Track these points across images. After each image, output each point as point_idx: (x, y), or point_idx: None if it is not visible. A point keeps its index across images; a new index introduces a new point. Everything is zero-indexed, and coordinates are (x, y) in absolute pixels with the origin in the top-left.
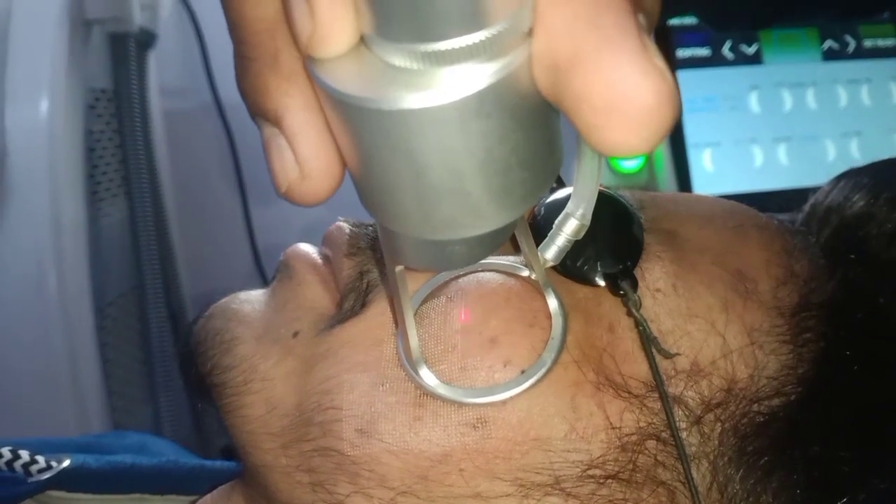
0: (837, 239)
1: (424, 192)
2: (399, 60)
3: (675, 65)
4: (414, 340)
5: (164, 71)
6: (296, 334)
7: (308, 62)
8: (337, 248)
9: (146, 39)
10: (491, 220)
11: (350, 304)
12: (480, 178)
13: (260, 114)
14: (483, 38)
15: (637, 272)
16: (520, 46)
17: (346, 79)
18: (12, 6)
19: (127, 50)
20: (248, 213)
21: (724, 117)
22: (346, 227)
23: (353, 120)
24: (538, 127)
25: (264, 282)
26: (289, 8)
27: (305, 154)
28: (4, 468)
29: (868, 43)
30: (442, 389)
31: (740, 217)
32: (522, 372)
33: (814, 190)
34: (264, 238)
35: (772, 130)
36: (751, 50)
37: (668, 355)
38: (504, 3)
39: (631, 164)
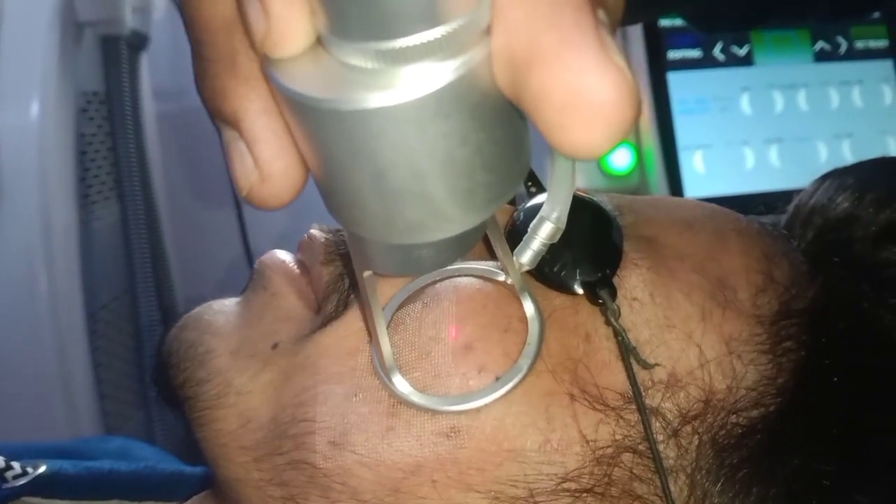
0: (821, 241)
1: (387, 196)
2: (355, 60)
3: (666, 66)
4: (386, 347)
5: (155, 72)
6: (275, 346)
7: (264, 63)
8: (313, 255)
9: (138, 42)
10: (456, 223)
11: (332, 306)
12: (443, 181)
13: (219, 117)
14: (439, 36)
15: (615, 280)
16: (479, 44)
17: (303, 79)
18: (3, 8)
19: (119, 53)
20: (242, 215)
21: (715, 119)
22: (320, 234)
23: (312, 121)
24: (502, 127)
25: None
26: (243, 7)
27: (265, 157)
28: None
29: (859, 44)
30: (415, 397)
31: (721, 222)
32: (497, 379)
33: None
34: (258, 241)
35: (763, 132)
36: (742, 51)
37: (647, 366)
38: (461, 0)
39: (621, 166)
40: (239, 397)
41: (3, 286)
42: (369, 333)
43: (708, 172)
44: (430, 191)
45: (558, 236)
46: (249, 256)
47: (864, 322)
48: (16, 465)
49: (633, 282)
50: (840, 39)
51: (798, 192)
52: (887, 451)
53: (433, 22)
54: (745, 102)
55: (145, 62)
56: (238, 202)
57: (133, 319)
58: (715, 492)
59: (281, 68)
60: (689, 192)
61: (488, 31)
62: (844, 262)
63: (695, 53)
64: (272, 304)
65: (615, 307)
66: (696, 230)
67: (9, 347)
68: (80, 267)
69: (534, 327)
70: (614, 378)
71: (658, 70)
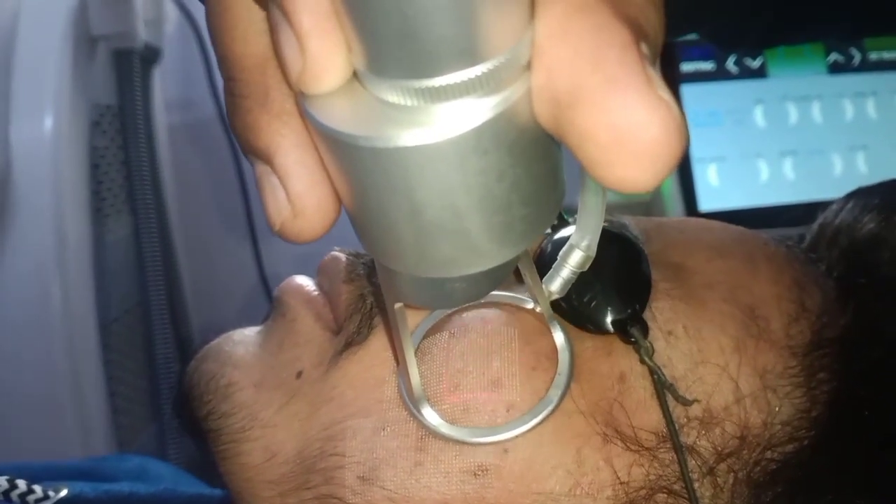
0: (847, 263)
1: (422, 231)
2: (393, 97)
3: (679, 79)
4: (416, 378)
5: (167, 85)
6: (299, 374)
7: (300, 99)
8: (334, 276)
9: (150, 55)
10: (491, 257)
11: (354, 326)
12: (480, 216)
13: (251, 152)
14: (479, 74)
15: (647, 312)
16: (518, 80)
17: (340, 116)
18: (18, 23)
19: (131, 66)
20: (253, 226)
21: (729, 132)
22: (341, 256)
23: (348, 158)
24: (539, 161)
25: (269, 296)
26: (278, 44)
27: (298, 192)
28: (1, 498)
29: (873, 55)
30: (445, 429)
31: (749, 247)
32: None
33: (821, 204)
34: (270, 252)
35: (777, 144)
36: (755, 64)
37: (686, 403)
38: (501, 38)
39: None
40: (264, 430)
41: (16, 298)
42: (396, 361)
43: (722, 185)
44: (466, 227)
45: (588, 264)
46: (261, 267)
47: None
48: (37, 488)
49: (666, 314)
50: (854, 51)
51: (813, 204)
52: None
53: (473, 60)
54: (758, 115)
55: (157, 74)
56: (249, 211)
57: (145, 333)
58: None
59: (317, 104)
60: (703, 205)
61: (528, 66)
62: (872, 285)
63: (708, 66)
64: (292, 330)
65: (648, 345)
66: (725, 256)
67: (22, 359)
68: (93, 279)
69: (564, 358)
70: (649, 417)
71: (671, 83)
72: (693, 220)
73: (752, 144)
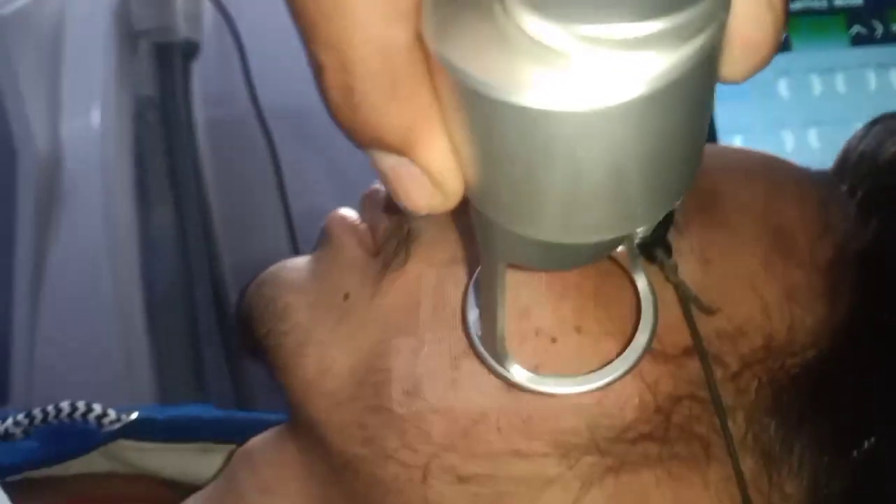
0: (871, 187)
1: (576, 197)
2: (561, 42)
3: None
4: (502, 322)
5: (204, 80)
6: (346, 297)
7: (435, 53)
8: (374, 206)
9: (190, 50)
10: (643, 220)
11: (392, 248)
12: (644, 180)
13: (374, 146)
14: (688, 19)
15: (683, 241)
16: (712, 20)
17: (492, 71)
18: (64, 21)
19: (172, 59)
20: (291, 220)
21: (754, 104)
22: (381, 188)
23: (504, 124)
24: (705, 114)
25: None
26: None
27: (447, 180)
28: (79, 419)
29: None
30: (534, 384)
31: (776, 170)
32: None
33: None
34: (306, 245)
35: (802, 115)
36: None
37: (708, 311)
38: None
39: None
40: (318, 347)
41: (70, 281)
42: (480, 314)
43: None
44: (627, 191)
45: None
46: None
47: None
48: (111, 412)
49: (702, 241)
50: (876, 23)
51: None
52: None
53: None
54: (783, 87)
55: (195, 69)
56: (286, 205)
57: (190, 315)
58: (772, 427)
59: (466, 61)
60: None
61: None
62: (893, 204)
63: None
64: (338, 256)
65: (672, 263)
66: (755, 179)
67: (74, 340)
68: (140, 263)
69: (648, 302)
70: (678, 335)
71: None
72: (721, 146)
73: (777, 116)
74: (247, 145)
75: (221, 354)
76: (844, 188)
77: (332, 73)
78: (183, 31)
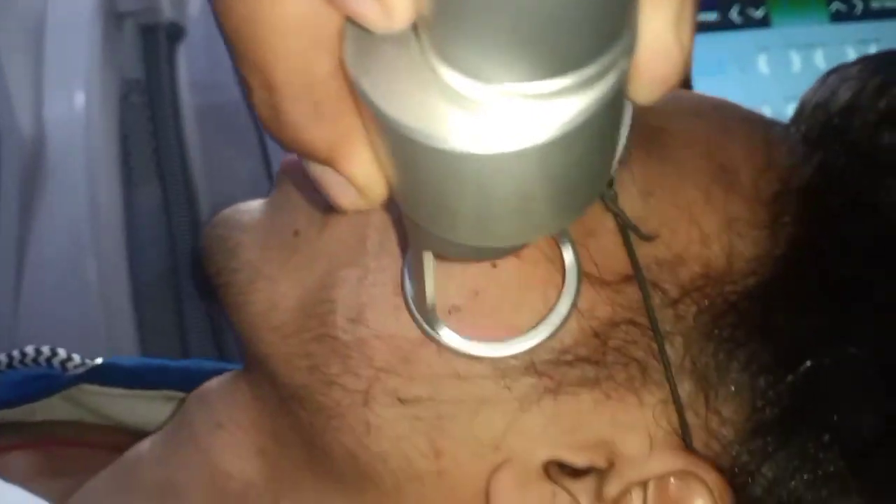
0: (820, 131)
1: (489, 214)
2: (474, 93)
3: None
4: (431, 293)
5: (192, 67)
6: (296, 233)
7: (357, 85)
8: None
9: (175, 32)
10: (553, 227)
11: None
12: (551, 198)
13: (305, 156)
14: (594, 72)
15: (626, 174)
16: (615, 67)
17: (407, 108)
18: (48, 1)
19: (157, 41)
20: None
21: (733, 79)
22: None
23: (414, 154)
24: (611, 135)
25: None
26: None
27: (369, 186)
28: (43, 364)
29: (875, 4)
30: (465, 347)
31: (726, 111)
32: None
33: None
34: None
35: (781, 91)
36: (758, 13)
37: (646, 238)
38: (609, 32)
39: None
40: (267, 283)
41: (53, 262)
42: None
43: None
44: (535, 207)
45: None
46: None
47: (859, 199)
48: (76, 357)
49: (645, 176)
50: (855, 0)
51: None
52: (877, 308)
53: (594, 55)
54: (762, 63)
55: (182, 55)
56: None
57: (175, 296)
58: (709, 351)
59: (377, 92)
60: None
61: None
62: (843, 147)
63: (711, 16)
64: (287, 194)
65: (612, 192)
66: (703, 118)
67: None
68: (125, 245)
69: (571, 276)
70: (617, 262)
71: None
72: (675, 90)
73: (757, 92)
74: (235, 131)
75: (208, 334)
76: (798, 134)
77: (259, 92)
78: (168, 12)
